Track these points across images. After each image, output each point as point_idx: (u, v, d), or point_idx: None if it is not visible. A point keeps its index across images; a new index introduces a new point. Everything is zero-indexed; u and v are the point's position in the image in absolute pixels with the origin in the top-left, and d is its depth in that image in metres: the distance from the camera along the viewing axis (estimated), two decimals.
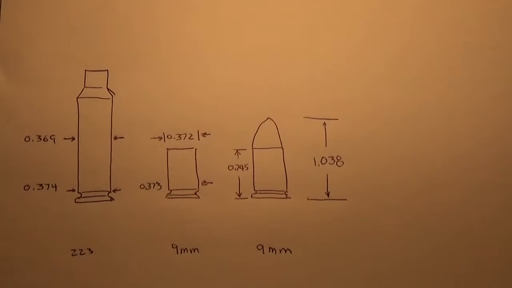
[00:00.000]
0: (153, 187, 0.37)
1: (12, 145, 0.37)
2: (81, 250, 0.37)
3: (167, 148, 0.37)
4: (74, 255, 0.37)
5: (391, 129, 0.38)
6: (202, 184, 0.37)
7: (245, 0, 0.38)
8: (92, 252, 0.37)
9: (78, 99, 0.37)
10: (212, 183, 0.37)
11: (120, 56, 0.38)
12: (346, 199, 0.37)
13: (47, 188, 0.37)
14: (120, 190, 0.37)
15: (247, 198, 0.37)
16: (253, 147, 0.38)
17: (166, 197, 0.37)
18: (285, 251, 0.37)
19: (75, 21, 0.38)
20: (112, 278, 0.37)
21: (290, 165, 0.37)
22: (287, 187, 0.37)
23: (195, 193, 0.37)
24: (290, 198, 0.37)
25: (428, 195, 0.37)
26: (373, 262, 0.37)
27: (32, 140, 0.37)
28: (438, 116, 0.38)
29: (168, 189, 0.37)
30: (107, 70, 0.38)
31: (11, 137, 0.37)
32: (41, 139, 0.37)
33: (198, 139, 0.38)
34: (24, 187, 0.37)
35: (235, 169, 0.37)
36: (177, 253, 0.37)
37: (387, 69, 0.38)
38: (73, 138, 0.37)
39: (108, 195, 0.37)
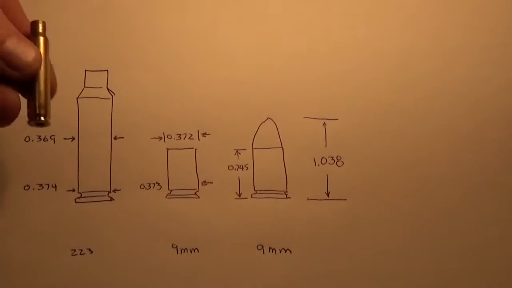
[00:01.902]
0: (153, 187, 0.37)
1: (12, 145, 0.37)
2: (81, 250, 0.37)
3: (167, 148, 0.37)
4: (74, 255, 0.37)
5: (391, 129, 0.38)
6: (202, 184, 0.37)
7: (246, 1, 0.38)
8: (92, 252, 0.37)
9: (78, 99, 0.37)
10: (212, 183, 0.37)
11: (120, 56, 0.38)
12: (346, 199, 0.37)
13: (47, 188, 0.37)
14: (120, 190, 0.37)
15: (247, 198, 0.37)
16: (253, 147, 0.38)
17: (166, 197, 0.37)
18: (285, 251, 0.37)
19: (75, 21, 0.38)
20: (112, 278, 0.37)
21: (290, 165, 0.37)
22: (287, 187, 0.37)
23: (195, 193, 0.37)
24: (290, 198, 0.37)
25: (428, 194, 0.37)
26: (373, 262, 0.37)
27: (32, 140, 0.37)
28: (438, 115, 0.38)
29: (168, 189, 0.37)
30: (107, 70, 0.38)
31: (11, 137, 0.37)
32: (41, 139, 0.37)
33: (198, 139, 0.38)
34: (24, 187, 0.37)
35: (235, 169, 0.37)
36: (177, 253, 0.37)
37: (387, 69, 0.38)
38: (73, 138, 0.37)
39: (108, 195, 0.37)
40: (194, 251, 0.37)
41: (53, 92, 0.29)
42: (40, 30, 0.28)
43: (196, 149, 0.38)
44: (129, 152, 0.37)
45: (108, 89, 0.37)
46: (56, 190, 0.37)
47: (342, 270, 0.37)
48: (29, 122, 0.27)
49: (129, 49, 0.38)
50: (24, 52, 0.25)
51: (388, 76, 0.38)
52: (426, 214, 0.37)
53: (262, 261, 0.37)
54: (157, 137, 0.37)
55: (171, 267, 0.37)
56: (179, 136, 0.38)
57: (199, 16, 0.38)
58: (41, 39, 0.28)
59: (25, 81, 0.27)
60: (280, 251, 0.37)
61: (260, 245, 0.37)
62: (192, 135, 0.38)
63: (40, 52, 0.27)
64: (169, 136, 0.38)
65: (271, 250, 0.37)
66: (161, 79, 0.38)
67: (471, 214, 0.37)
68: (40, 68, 0.27)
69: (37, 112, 0.27)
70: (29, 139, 0.37)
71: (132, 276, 0.37)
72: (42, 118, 0.27)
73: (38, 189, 0.37)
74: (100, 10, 0.38)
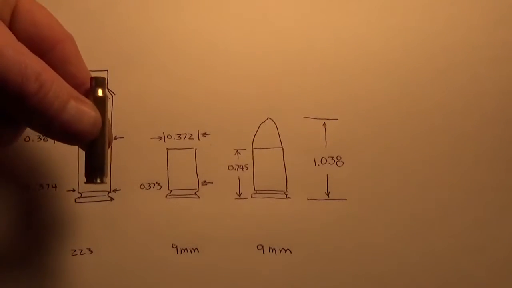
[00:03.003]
0: (153, 187, 0.37)
1: (12, 145, 0.37)
2: (81, 250, 0.37)
3: (167, 148, 0.37)
4: (74, 255, 0.37)
5: (391, 129, 0.38)
6: (202, 184, 0.37)
7: (245, 0, 0.38)
8: (92, 252, 0.37)
9: None
10: (212, 183, 0.37)
11: (120, 56, 0.38)
12: (346, 199, 0.37)
13: (47, 188, 0.37)
14: (120, 190, 0.37)
15: (247, 198, 0.37)
16: (253, 147, 0.38)
17: (166, 197, 0.37)
18: (285, 251, 0.37)
19: (74, 21, 0.38)
20: (112, 278, 0.37)
21: (290, 165, 0.37)
22: (287, 187, 0.37)
23: (195, 193, 0.37)
24: (290, 198, 0.37)
25: (428, 194, 0.37)
26: (373, 262, 0.37)
27: (32, 140, 0.37)
28: (438, 115, 0.38)
29: (168, 189, 0.37)
30: (107, 70, 0.38)
31: None
32: (41, 139, 0.37)
33: (198, 139, 0.38)
34: (24, 186, 0.37)
35: (235, 169, 0.37)
36: (177, 253, 0.37)
37: (387, 69, 0.38)
38: None
39: (108, 195, 0.37)
40: (194, 251, 0.37)
41: (109, 144, 0.29)
42: (100, 87, 0.27)
43: (196, 149, 0.38)
44: (129, 152, 0.37)
45: (108, 89, 0.37)
46: (56, 190, 0.37)
47: (342, 270, 0.37)
48: (85, 182, 0.27)
49: (129, 49, 0.38)
50: (82, 119, 0.25)
51: (388, 76, 0.38)
52: (426, 214, 0.37)
53: (262, 261, 0.37)
54: (157, 137, 0.37)
55: (171, 267, 0.37)
56: (179, 136, 0.38)
57: (200, 16, 0.38)
58: (101, 97, 0.27)
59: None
60: (280, 251, 0.37)
61: (260, 245, 0.37)
62: (192, 135, 0.38)
63: (99, 116, 0.26)
64: (169, 136, 0.38)
65: (271, 250, 0.37)
66: (161, 79, 0.38)
67: (471, 214, 0.37)
68: (98, 132, 0.26)
69: (94, 174, 0.27)
70: (29, 139, 0.37)
71: (132, 276, 0.37)
72: (99, 181, 0.27)
73: (38, 189, 0.37)
74: (100, 10, 0.38)
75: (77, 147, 0.37)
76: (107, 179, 0.28)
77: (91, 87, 0.27)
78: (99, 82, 0.28)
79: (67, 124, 0.24)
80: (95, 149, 0.27)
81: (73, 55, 0.28)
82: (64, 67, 0.27)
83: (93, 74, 0.29)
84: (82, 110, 0.25)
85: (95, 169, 0.27)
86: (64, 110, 0.24)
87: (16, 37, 0.24)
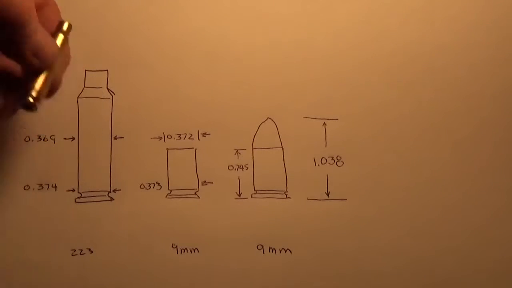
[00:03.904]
0: (153, 187, 0.37)
1: (12, 145, 0.37)
2: (81, 250, 0.37)
3: (167, 148, 0.37)
4: (74, 255, 0.37)
5: (391, 129, 0.38)
6: (202, 184, 0.37)
7: (246, 2, 0.38)
8: (92, 252, 0.37)
9: (78, 99, 0.37)
10: (212, 183, 0.37)
11: (120, 56, 0.38)
12: (346, 199, 0.37)
13: (47, 188, 0.37)
14: (120, 190, 0.37)
15: (247, 198, 0.37)
16: (253, 147, 0.38)
17: (166, 197, 0.37)
18: (285, 251, 0.37)
19: (75, 21, 0.38)
20: (112, 278, 0.37)
21: (290, 165, 0.37)
22: (287, 187, 0.37)
23: (195, 193, 0.37)
24: (290, 198, 0.37)
25: (428, 195, 0.37)
26: (373, 262, 0.37)
27: (32, 140, 0.37)
28: (438, 115, 0.38)
29: (168, 189, 0.37)
30: (107, 70, 0.38)
31: (11, 137, 0.37)
32: (41, 139, 0.37)
33: (198, 139, 0.38)
34: (24, 187, 0.37)
35: (235, 169, 0.37)
36: (177, 253, 0.37)
37: (387, 69, 0.38)
38: (73, 138, 0.37)
39: (108, 195, 0.37)
40: (194, 251, 0.37)
41: (53, 89, 0.31)
42: (64, 29, 0.31)
43: (196, 149, 0.38)
44: (129, 152, 0.37)
45: (108, 89, 0.37)
46: (56, 190, 0.37)
47: (342, 270, 0.37)
48: (20, 101, 0.28)
49: (129, 49, 0.38)
50: (50, 44, 0.28)
51: (388, 76, 0.38)
52: (426, 214, 0.37)
53: (262, 261, 0.37)
54: (157, 137, 0.37)
55: (171, 267, 0.37)
56: (179, 136, 0.38)
57: (199, 16, 0.38)
58: (61, 37, 0.31)
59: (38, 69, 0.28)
60: (280, 251, 0.37)
61: (260, 245, 0.37)
62: (192, 135, 0.38)
63: (58, 49, 0.29)
64: (169, 136, 0.38)
65: (271, 250, 0.37)
66: (161, 79, 0.38)
67: (472, 214, 0.37)
68: (56, 62, 0.29)
69: (31, 93, 0.28)
70: (29, 139, 0.37)
71: (132, 276, 0.37)
72: (30, 99, 0.28)
73: (38, 189, 0.37)
74: (100, 10, 0.38)
75: (77, 150, 0.37)
76: (36, 109, 0.29)
77: (56, 28, 0.31)
78: (63, 25, 0.31)
79: (36, 47, 0.27)
80: (41, 77, 0.29)
81: (51, 7, 0.32)
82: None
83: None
84: (51, 39, 0.29)
85: (34, 90, 0.28)
86: (35, 35, 0.27)
87: None
